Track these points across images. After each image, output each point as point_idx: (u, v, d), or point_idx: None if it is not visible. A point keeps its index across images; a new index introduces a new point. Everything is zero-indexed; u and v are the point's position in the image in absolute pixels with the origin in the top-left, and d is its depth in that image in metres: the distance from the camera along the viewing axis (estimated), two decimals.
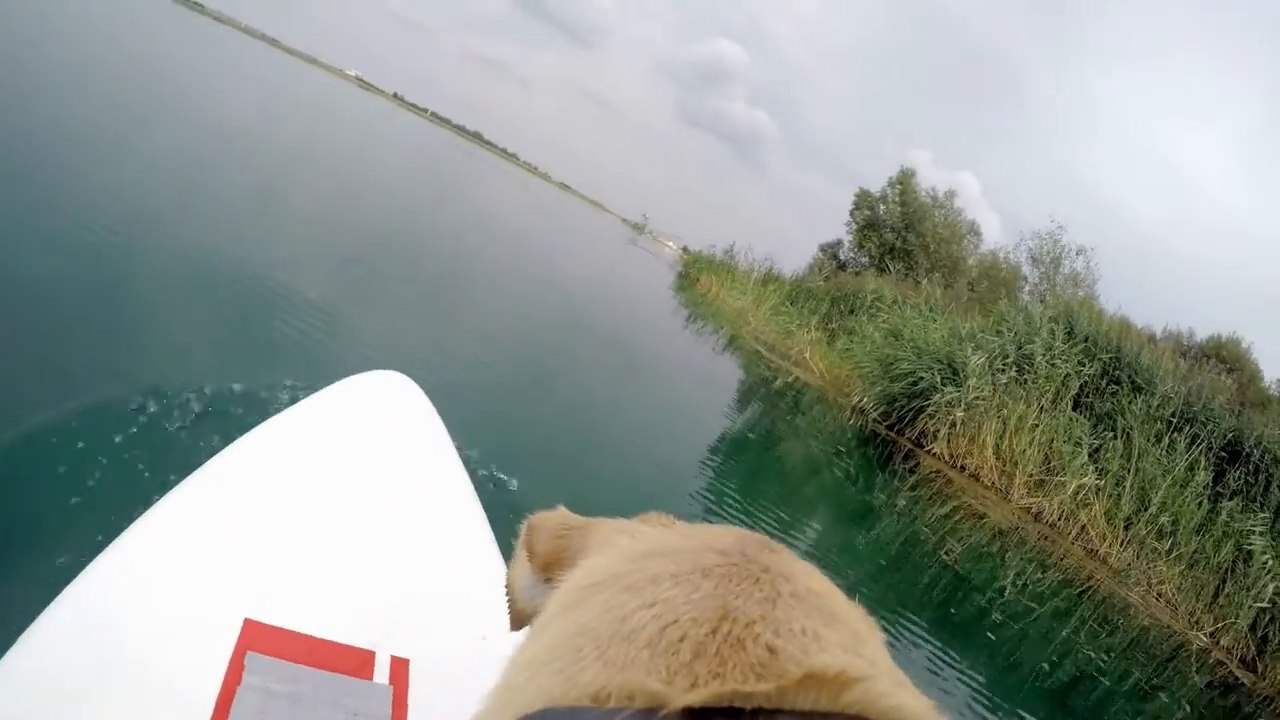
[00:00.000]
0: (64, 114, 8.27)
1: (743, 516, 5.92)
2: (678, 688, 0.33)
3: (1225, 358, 24.11)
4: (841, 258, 39.26)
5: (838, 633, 0.40)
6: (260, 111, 20.61)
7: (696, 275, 32.31)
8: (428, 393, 2.26)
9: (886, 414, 13.81)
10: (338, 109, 44.16)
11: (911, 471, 11.77)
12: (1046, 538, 11.41)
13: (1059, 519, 12.07)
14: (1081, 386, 14.07)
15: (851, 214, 38.14)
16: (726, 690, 0.32)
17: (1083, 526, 11.85)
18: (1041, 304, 16.40)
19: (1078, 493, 12.08)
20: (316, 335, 5.11)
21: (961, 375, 13.20)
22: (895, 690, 0.33)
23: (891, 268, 34.55)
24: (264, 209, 8.94)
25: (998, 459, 13.02)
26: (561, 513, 0.66)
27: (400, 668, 1.35)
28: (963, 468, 13.05)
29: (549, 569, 0.61)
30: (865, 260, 37.41)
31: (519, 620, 0.65)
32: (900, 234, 36.09)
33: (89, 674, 1.15)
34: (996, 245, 36.80)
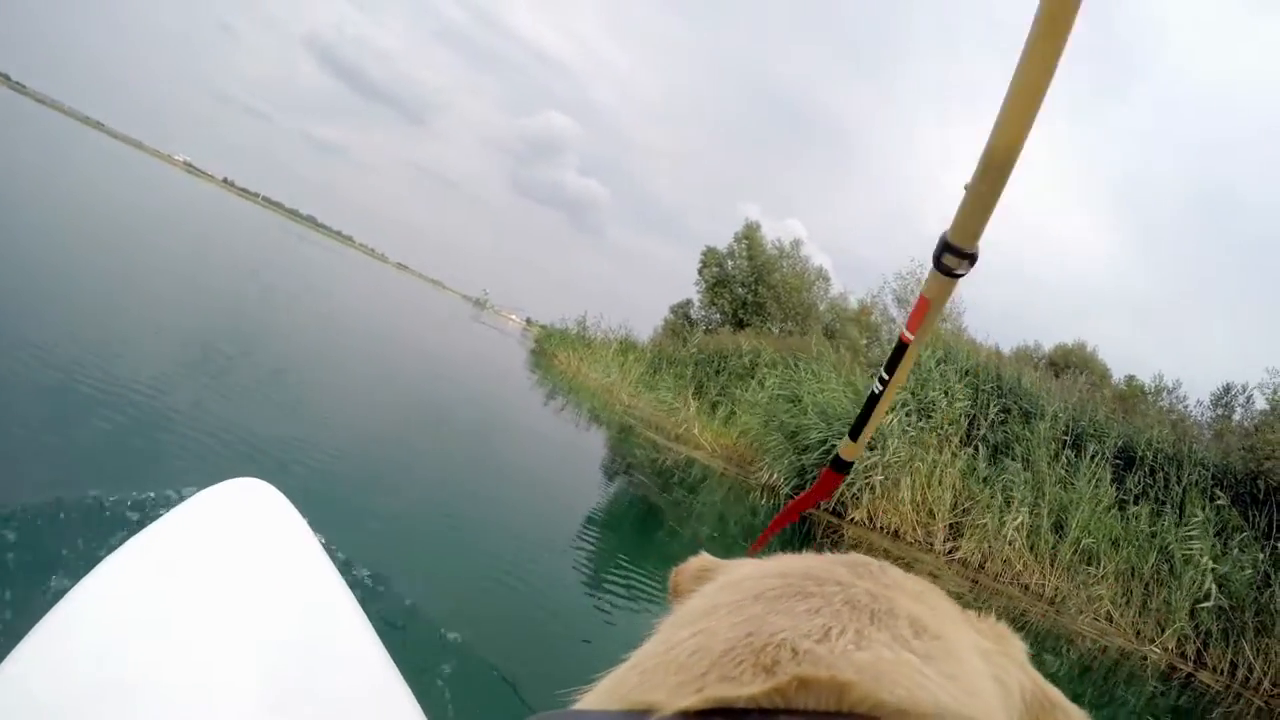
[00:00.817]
0: None
1: (641, 606, 5.27)
2: (683, 694, 0.35)
3: (1075, 363, 24.71)
4: (693, 316, 38.57)
5: (894, 631, 0.40)
6: (81, 198, 19.38)
7: (552, 351, 30.41)
8: (289, 496, 2.13)
9: (799, 487, 12.30)
10: (163, 195, 41.65)
11: (835, 545, 10.25)
12: (976, 581, 11.11)
13: (984, 561, 11.78)
14: (972, 421, 13.71)
15: (700, 272, 37.49)
16: (712, 695, 0.34)
17: (1005, 561, 11.65)
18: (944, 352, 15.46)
19: (999, 530, 11.83)
20: (160, 440, 4.79)
21: (875, 438, 11.88)
22: (914, 680, 0.34)
23: (747, 321, 34.32)
24: (87, 306, 8.24)
25: (915, 512, 12.18)
26: (704, 557, 0.65)
27: None
28: (883, 528, 12.16)
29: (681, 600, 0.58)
30: (717, 317, 36.83)
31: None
32: (751, 287, 35.71)
33: None
34: (845, 288, 37.06)
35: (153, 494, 3.42)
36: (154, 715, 1.32)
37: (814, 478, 10.66)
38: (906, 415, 12.74)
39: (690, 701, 0.33)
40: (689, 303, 39.06)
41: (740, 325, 34.28)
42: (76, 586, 1.58)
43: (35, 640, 1.40)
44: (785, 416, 13.22)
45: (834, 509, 12.17)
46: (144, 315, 9.42)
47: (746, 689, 0.34)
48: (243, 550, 1.90)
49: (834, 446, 11.93)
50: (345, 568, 2.97)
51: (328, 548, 2.05)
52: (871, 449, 11.89)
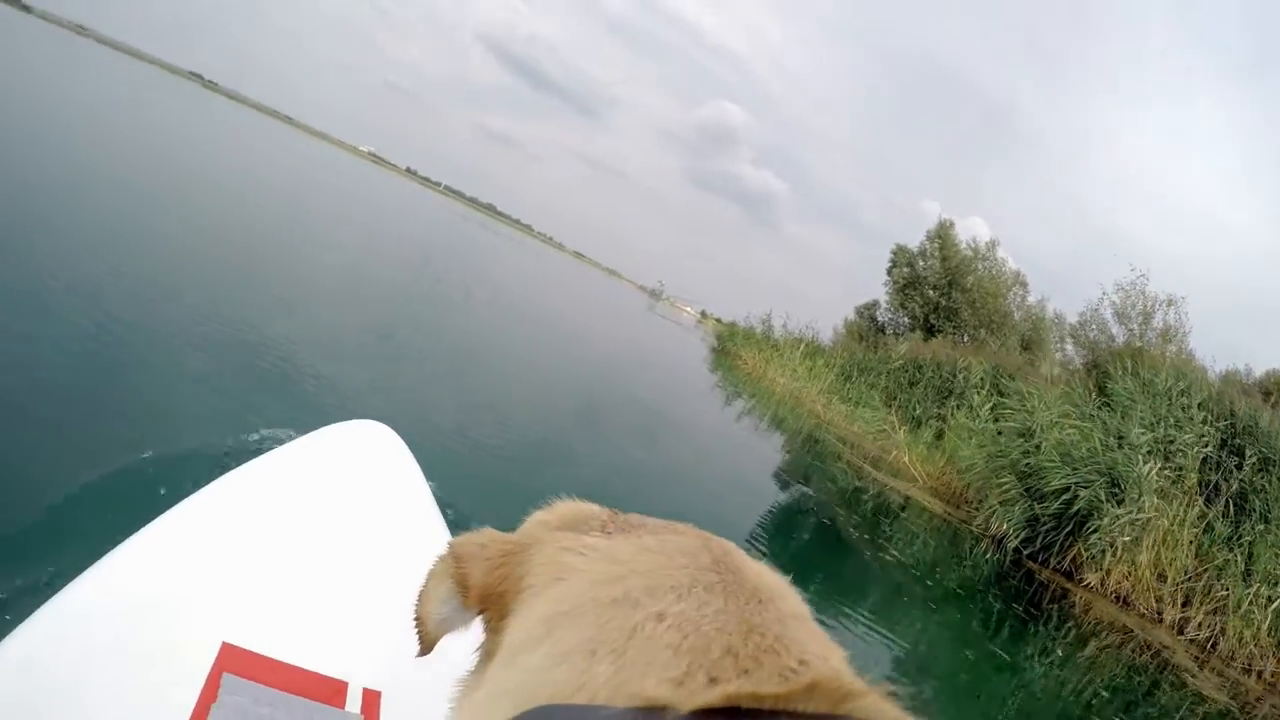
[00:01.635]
0: (92, 193, 8.84)
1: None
2: (698, 683, 0.34)
3: None
4: (879, 319, 36.57)
5: (839, 659, 0.42)
6: (278, 186, 21.13)
7: (734, 350, 29.55)
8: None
9: (1030, 541, 10.94)
10: (353, 184, 45.22)
11: (1066, 615, 9.07)
12: (1204, 661, 9.21)
13: (1215, 639, 9.69)
14: (1203, 463, 11.53)
15: (889, 272, 35.28)
16: (735, 692, 0.33)
17: (1241, 640, 9.47)
18: (1176, 378, 13.29)
19: (1239, 603, 9.65)
20: (345, 390, 5.62)
21: (1125, 488, 10.32)
22: (896, 711, 0.34)
23: (938, 327, 32.11)
24: (286, 280, 9.06)
25: (1150, 576, 10.33)
26: (488, 534, 0.60)
27: (372, 699, 1.38)
28: (1115, 594, 10.38)
29: (487, 602, 0.55)
30: (905, 321, 34.69)
31: (428, 646, 0.63)
32: (944, 290, 33.23)
33: (64, 686, 1.19)
34: (1042, 295, 33.79)
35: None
36: (257, 606, 1.46)
37: (1050, 531, 8.92)
38: (1154, 460, 11.02)
39: (708, 698, 0.32)
40: (875, 304, 37.01)
41: (931, 331, 32.16)
42: (201, 489, 1.71)
43: (137, 540, 1.51)
44: (1016, 453, 11.75)
45: (1066, 569, 10.71)
46: (350, 294, 10.39)
47: (769, 687, 0.33)
48: (345, 479, 2.02)
49: (1078, 497, 10.73)
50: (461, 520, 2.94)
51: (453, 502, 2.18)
52: (1120, 502, 10.32)
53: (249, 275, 8.33)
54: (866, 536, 9.07)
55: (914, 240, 35.08)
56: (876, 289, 36.39)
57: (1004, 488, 11.48)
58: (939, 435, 16.25)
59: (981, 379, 17.67)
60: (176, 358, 4.85)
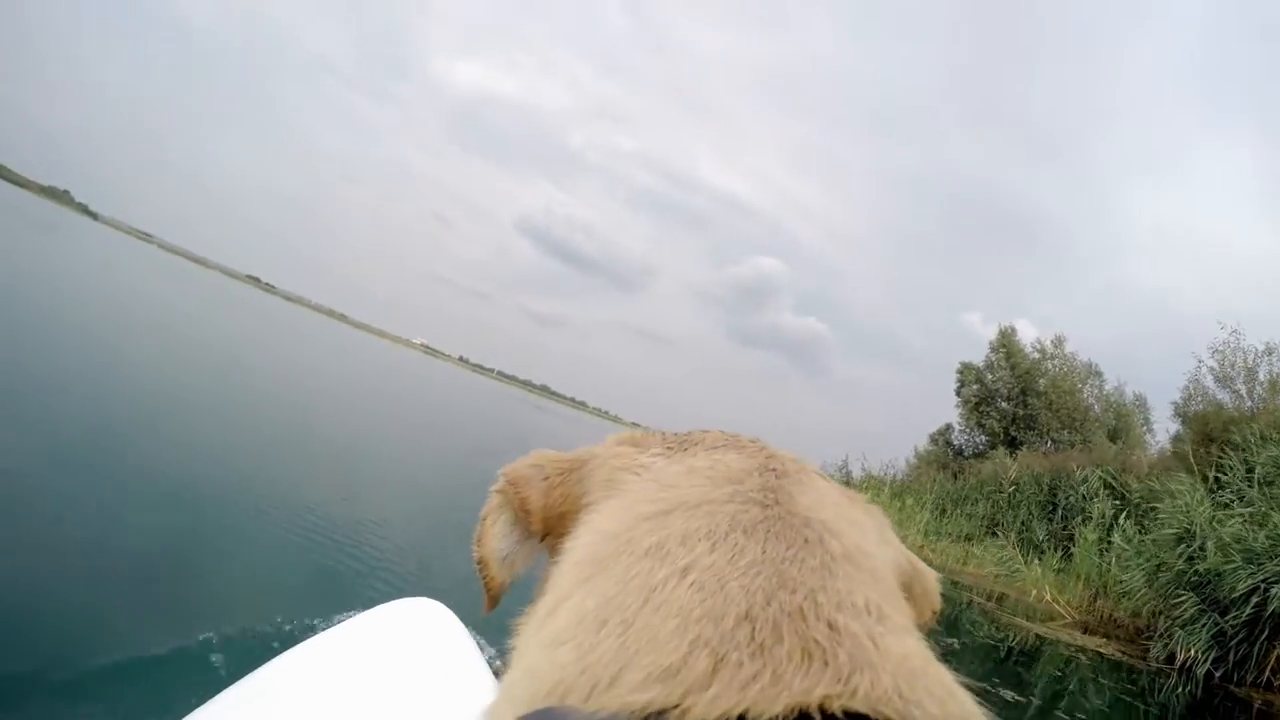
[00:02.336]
0: (158, 392, 9.10)
1: None
2: (696, 673, 0.31)
3: None
4: (955, 443, 34.54)
5: (894, 605, 0.40)
6: (336, 379, 22.29)
7: None
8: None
9: (1220, 661, 9.02)
10: (407, 375, 47.23)
11: None
12: None
13: None
14: None
15: (958, 392, 33.66)
16: (760, 699, 0.29)
17: None
18: None
19: None
20: (401, 570, 5.72)
21: None
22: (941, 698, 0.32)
23: (1019, 439, 30.01)
24: (350, 467, 9.26)
25: None
26: (542, 455, 0.58)
27: None
28: None
29: (549, 524, 0.54)
30: (982, 439, 32.65)
31: (496, 595, 0.60)
32: (1019, 399, 31.36)
33: None
34: (1119, 380, 31.69)
35: None
36: None
37: (1242, 643, 7.09)
38: None
39: (729, 705, 0.29)
40: (949, 428, 35.13)
41: (1012, 444, 30.12)
42: (258, 669, 1.71)
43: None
44: (1179, 563, 9.90)
45: (1267, 681, 8.79)
46: (410, 478, 10.82)
47: (805, 690, 0.29)
48: (401, 659, 1.95)
49: (1271, 596, 8.69)
50: None
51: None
52: None
53: (316, 463, 8.72)
54: (1033, 700, 7.35)
55: (962, 355, 34.17)
56: (937, 413, 34.66)
57: (1180, 605, 9.59)
58: (1066, 557, 14.25)
59: (1098, 488, 15.61)
60: (243, 541, 5.05)
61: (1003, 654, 9.23)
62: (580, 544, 0.46)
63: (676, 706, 0.29)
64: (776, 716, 0.29)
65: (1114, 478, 15.80)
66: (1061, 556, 14.59)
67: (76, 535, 4.10)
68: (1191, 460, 12.39)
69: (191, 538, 4.72)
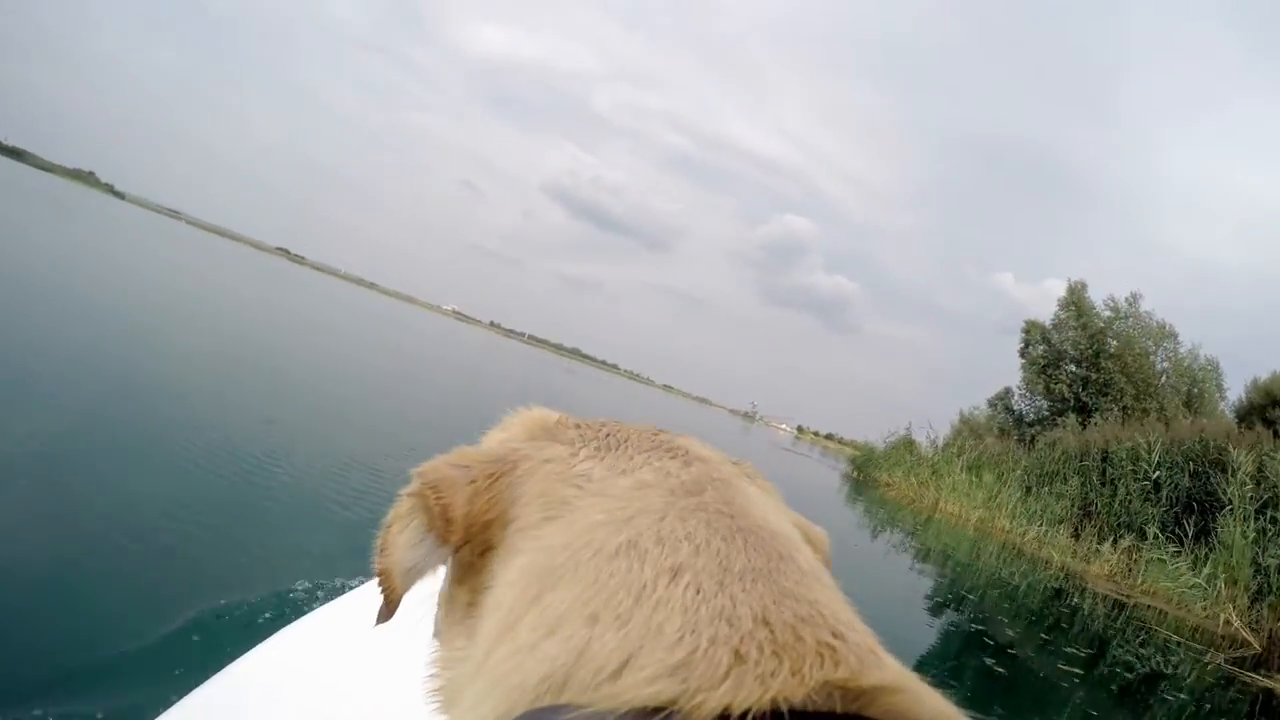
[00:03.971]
0: (214, 365, 9.41)
1: None
2: (743, 671, 0.31)
3: None
4: (1015, 408, 32.04)
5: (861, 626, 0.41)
6: (370, 346, 22.13)
7: (877, 476, 25.32)
8: None
9: None
10: (442, 341, 47.53)
11: None
12: None
13: None
14: None
15: (1022, 353, 31.07)
16: (785, 695, 0.30)
17: None
18: None
19: None
20: None
21: None
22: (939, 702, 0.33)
23: (1091, 405, 27.53)
24: (388, 436, 8.83)
25: None
26: (464, 454, 0.55)
27: None
28: None
29: (472, 533, 0.51)
30: (1045, 405, 30.16)
31: (395, 607, 0.57)
32: (1091, 362, 28.70)
33: None
34: (1193, 343, 28.89)
35: None
36: None
37: None
38: None
39: (747, 696, 0.29)
40: (1008, 392, 32.61)
41: (1083, 411, 27.69)
42: (250, 651, 1.64)
43: (205, 689, 1.48)
44: None
45: None
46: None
47: (826, 676, 0.30)
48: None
49: None
50: None
51: None
52: None
53: (346, 427, 8.52)
54: None
55: (994, 315, 31.50)
56: (973, 374, 32.17)
57: None
58: (1201, 556, 12.08)
59: (1245, 467, 13.21)
60: (276, 504, 4.97)
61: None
62: (520, 563, 0.44)
63: (699, 695, 0.29)
64: (801, 701, 0.29)
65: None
66: (1181, 551, 12.40)
67: (127, 500, 4.20)
68: None
69: (229, 504, 4.75)
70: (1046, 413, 29.65)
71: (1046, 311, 30.49)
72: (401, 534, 0.53)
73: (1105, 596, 11.54)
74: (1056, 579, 12.40)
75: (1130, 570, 13.53)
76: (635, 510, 0.43)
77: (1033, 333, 30.69)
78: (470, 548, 0.50)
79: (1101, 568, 14.08)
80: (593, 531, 0.42)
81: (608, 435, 0.56)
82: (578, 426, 0.59)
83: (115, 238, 32.47)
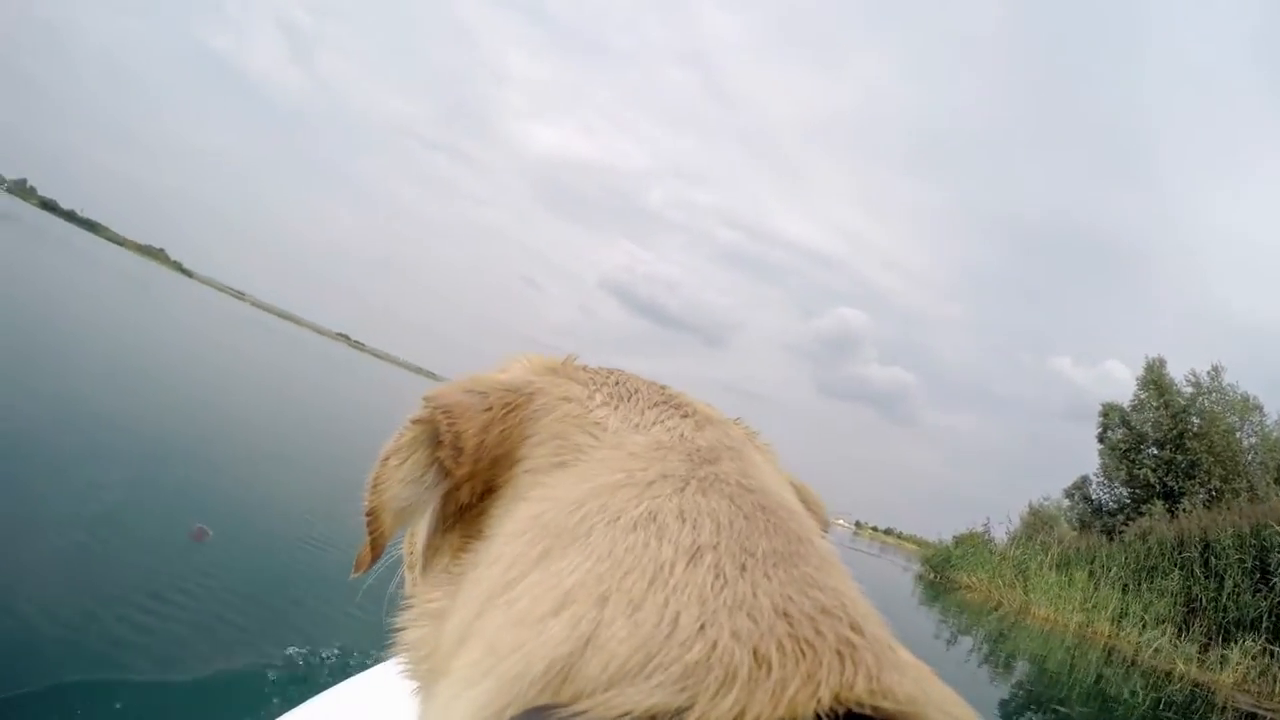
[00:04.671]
0: (263, 444, 9.25)
1: None
2: (763, 676, 0.30)
3: None
4: (1093, 497, 30.05)
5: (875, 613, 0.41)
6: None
7: (951, 575, 23.38)
8: None
9: None
10: None
11: None
12: None
13: None
14: None
15: (1101, 438, 29.25)
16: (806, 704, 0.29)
17: None
18: None
19: None
20: None
21: None
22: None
23: (1179, 489, 25.65)
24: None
25: None
26: (479, 379, 0.51)
27: None
28: None
29: (478, 470, 0.47)
30: (1125, 492, 28.22)
31: (379, 554, 0.54)
32: (1176, 443, 26.85)
33: None
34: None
35: None
36: None
37: None
38: None
39: (773, 706, 0.28)
40: (1085, 481, 30.71)
41: (1169, 497, 25.81)
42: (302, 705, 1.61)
43: None
44: None
45: None
46: None
47: (845, 685, 0.29)
48: None
49: None
50: None
51: None
52: None
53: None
54: None
55: (1054, 398, 29.87)
56: (1037, 462, 30.42)
57: None
58: None
59: None
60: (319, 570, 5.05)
61: None
62: (526, 512, 0.42)
63: (705, 708, 0.28)
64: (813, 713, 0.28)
65: None
66: None
67: (184, 561, 4.29)
68: None
69: (279, 570, 4.78)
70: (1128, 500, 27.84)
71: (1109, 394, 29.20)
72: (400, 467, 0.48)
73: (1249, 715, 10.00)
74: (1178, 689, 10.87)
75: (1265, 673, 11.91)
76: (655, 475, 0.42)
77: (1111, 416, 29.00)
78: (471, 485, 0.47)
79: (1231, 675, 12.45)
80: (612, 494, 0.40)
81: (618, 383, 0.54)
82: (585, 370, 0.57)
83: (185, 314, 33.43)
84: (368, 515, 0.50)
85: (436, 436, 0.47)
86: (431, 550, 0.50)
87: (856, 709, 0.28)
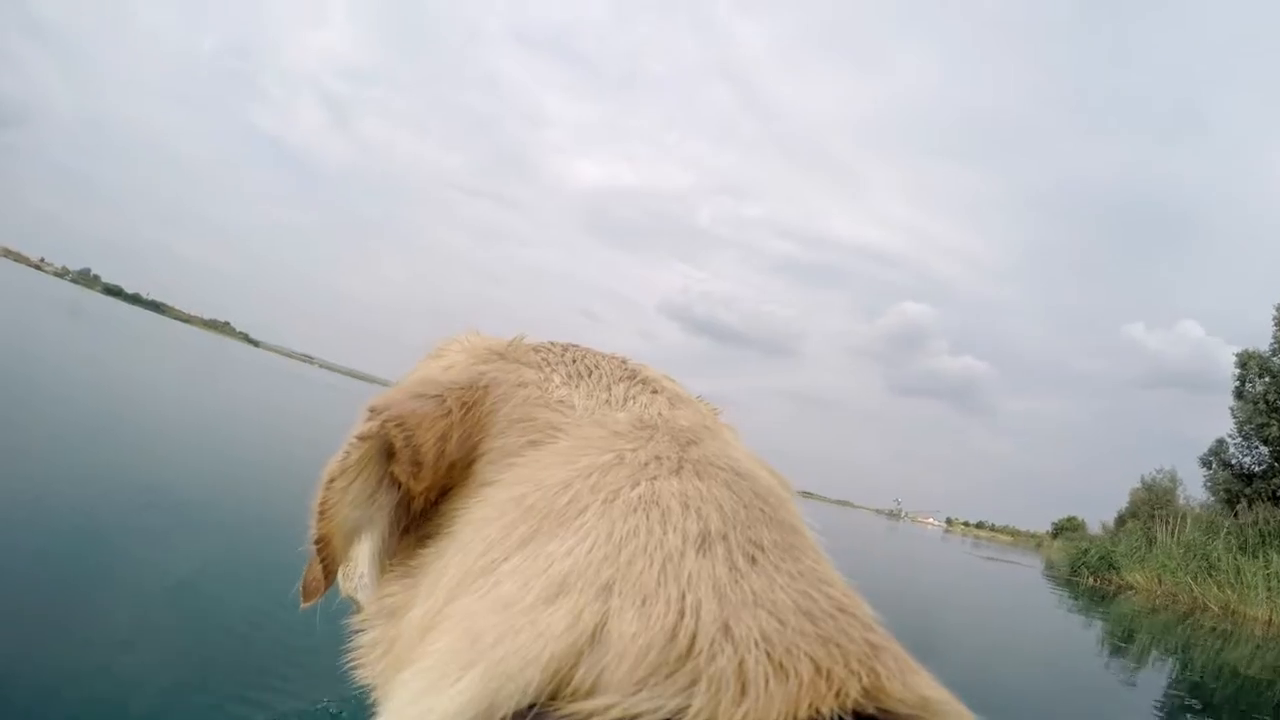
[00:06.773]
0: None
1: None
2: (786, 677, 0.29)
3: None
4: (1232, 462, 27.02)
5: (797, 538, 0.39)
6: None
7: (1106, 575, 20.45)
8: None
9: None
10: None
11: None
12: None
13: None
14: None
15: (1238, 393, 26.18)
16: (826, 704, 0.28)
17: None
18: None
19: None
20: None
21: None
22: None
23: None
24: None
25: None
26: (431, 379, 0.47)
27: None
28: None
29: (441, 475, 0.44)
30: (1265, 452, 25.32)
31: (333, 572, 0.49)
32: None
33: None
34: None
35: None
36: None
37: None
38: None
39: (798, 703, 0.27)
40: (1222, 445, 27.67)
41: None
42: None
43: None
44: None
45: None
46: None
47: (870, 689, 0.28)
48: None
49: None
50: None
51: None
52: None
53: None
54: None
55: (1130, 369, 26.61)
56: (1124, 437, 27.51)
57: None
58: None
59: None
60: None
61: None
62: (501, 495, 0.38)
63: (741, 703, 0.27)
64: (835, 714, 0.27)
65: None
66: None
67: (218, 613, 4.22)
68: None
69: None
70: (1273, 461, 24.97)
71: (1183, 355, 25.82)
72: (349, 489, 0.44)
73: None
74: None
75: None
76: (648, 456, 0.40)
77: (1249, 366, 25.63)
78: (428, 494, 0.44)
79: None
80: (604, 474, 0.37)
81: (574, 360, 0.52)
82: (536, 350, 0.54)
83: (259, 383, 33.57)
84: (318, 543, 0.46)
85: (389, 450, 0.43)
86: (384, 555, 0.45)
87: (895, 710, 0.27)
